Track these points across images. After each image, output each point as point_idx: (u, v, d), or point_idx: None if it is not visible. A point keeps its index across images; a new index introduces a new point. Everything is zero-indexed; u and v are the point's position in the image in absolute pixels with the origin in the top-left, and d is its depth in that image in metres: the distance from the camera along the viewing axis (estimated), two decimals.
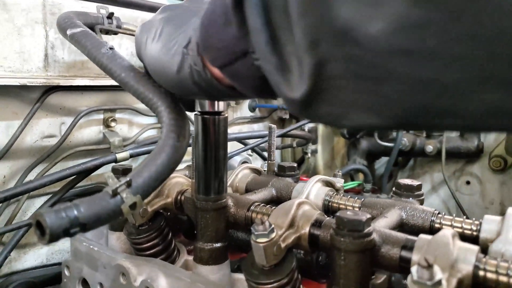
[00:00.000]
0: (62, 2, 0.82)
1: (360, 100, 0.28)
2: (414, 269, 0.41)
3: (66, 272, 0.76)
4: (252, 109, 1.40)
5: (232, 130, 1.31)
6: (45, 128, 0.86)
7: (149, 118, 1.05)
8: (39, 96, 0.82)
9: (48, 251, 0.92)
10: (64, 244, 0.93)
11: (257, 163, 1.32)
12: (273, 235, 0.51)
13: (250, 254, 0.54)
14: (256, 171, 0.85)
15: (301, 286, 0.56)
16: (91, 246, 0.71)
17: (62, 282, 0.77)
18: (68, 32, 0.66)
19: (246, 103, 1.37)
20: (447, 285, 0.42)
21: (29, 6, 0.78)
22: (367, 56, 0.25)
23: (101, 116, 0.95)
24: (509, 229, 0.55)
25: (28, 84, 0.75)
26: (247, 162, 1.15)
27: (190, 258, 0.68)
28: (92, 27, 0.77)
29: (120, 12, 0.90)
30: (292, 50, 0.32)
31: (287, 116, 1.47)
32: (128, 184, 0.45)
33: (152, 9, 0.96)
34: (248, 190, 0.80)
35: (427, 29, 0.22)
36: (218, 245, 0.62)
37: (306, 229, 0.54)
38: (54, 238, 0.40)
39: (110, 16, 0.80)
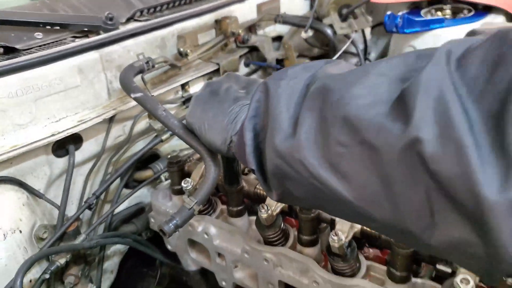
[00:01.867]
0: (111, 52, 1.20)
1: None
2: None
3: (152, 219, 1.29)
4: (246, 65, 1.78)
5: None
6: (115, 132, 1.31)
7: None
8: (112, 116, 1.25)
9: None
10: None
11: None
12: (269, 212, 1.00)
13: (257, 219, 1.03)
14: None
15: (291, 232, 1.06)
16: (168, 210, 1.22)
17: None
18: (132, 95, 1.06)
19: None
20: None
21: (93, 62, 1.17)
22: None
23: (146, 114, 1.38)
24: None
25: (104, 117, 1.18)
26: None
27: (224, 207, 1.18)
28: (141, 73, 1.17)
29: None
30: None
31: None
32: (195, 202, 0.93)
33: None
34: None
35: None
36: (239, 208, 1.12)
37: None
38: (170, 235, 0.90)
39: (148, 61, 1.18)
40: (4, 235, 0.97)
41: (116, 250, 1.44)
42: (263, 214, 0.98)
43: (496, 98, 0.41)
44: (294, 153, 0.57)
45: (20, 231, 1.02)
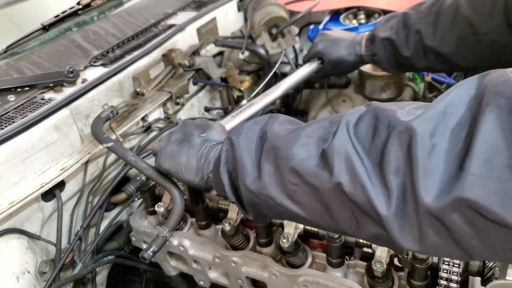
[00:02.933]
0: (79, 105, 1.39)
1: None
2: None
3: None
4: (194, 83, 2.00)
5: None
6: (91, 169, 1.52)
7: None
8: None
9: None
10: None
11: None
12: (232, 224, 1.25)
13: (222, 230, 1.28)
14: None
15: (251, 235, 1.33)
16: (145, 229, 1.45)
17: None
18: (104, 145, 1.26)
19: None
20: None
21: (65, 117, 1.36)
22: None
23: None
24: None
25: (82, 162, 1.39)
26: None
27: (193, 219, 1.43)
28: (108, 121, 1.37)
29: None
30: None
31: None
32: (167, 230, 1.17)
33: None
34: None
35: None
36: (206, 221, 1.37)
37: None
38: (150, 260, 1.14)
39: (112, 110, 1.39)
40: (17, 278, 1.18)
41: (104, 265, 1.66)
42: (227, 227, 1.24)
43: (378, 153, 0.68)
44: (262, 190, 0.82)
45: (28, 272, 1.23)
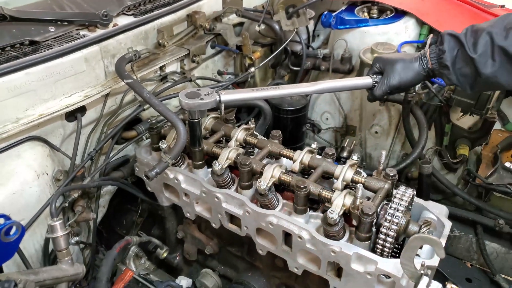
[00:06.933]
0: (108, 45, 1.61)
1: None
2: None
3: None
4: (212, 47, 2.20)
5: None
6: (110, 103, 1.75)
7: None
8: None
9: None
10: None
11: None
12: (220, 165, 1.47)
13: (212, 169, 1.50)
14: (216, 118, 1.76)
15: (236, 180, 1.55)
16: (149, 162, 1.68)
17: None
18: (125, 81, 1.50)
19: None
20: None
21: (94, 53, 1.58)
22: None
23: None
24: None
25: (103, 93, 1.62)
26: None
27: (190, 161, 1.65)
28: (130, 62, 1.59)
29: None
30: None
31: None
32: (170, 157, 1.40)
33: None
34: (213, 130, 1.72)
35: None
36: (200, 162, 1.59)
37: None
38: (152, 179, 1.37)
39: (135, 53, 1.61)
40: (37, 176, 1.43)
41: (108, 190, 1.91)
42: (216, 167, 1.46)
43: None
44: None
45: (47, 174, 1.48)
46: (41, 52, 1.47)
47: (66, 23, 1.63)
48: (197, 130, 1.51)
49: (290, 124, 2.20)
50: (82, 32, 1.64)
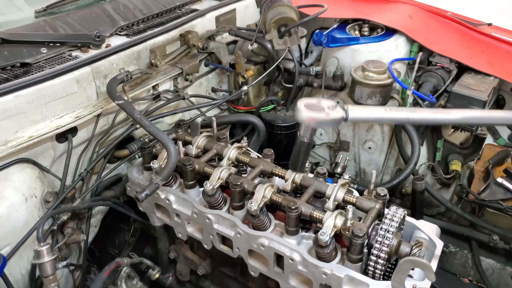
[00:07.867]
0: (100, 66, 1.62)
1: None
2: None
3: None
4: (206, 65, 2.21)
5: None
6: (102, 123, 1.74)
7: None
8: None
9: None
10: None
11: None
12: (212, 186, 1.47)
13: (203, 190, 1.50)
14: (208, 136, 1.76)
15: (228, 200, 1.55)
16: (140, 182, 1.67)
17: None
18: (116, 102, 1.50)
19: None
20: None
21: (86, 74, 1.59)
22: None
23: None
24: None
25: (94, 114, 1.62)
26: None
27: (181, 180, 1.65)
28: (122, 83, 1.59)
29: None
30: None
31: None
32: (160, 179, 1.40)
33: None
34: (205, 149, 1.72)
35: None
36: (192, 182, 1.59)
37: None
38: (142, 202, 1.37)
39: (127, 74, 1.61)
40: (25, 198, 1.42)
41: (99, 210, 1.90)
42: (208, 188, 1.46)
43: None
44: None
45: (35, 196, 1.47)
46: (32, 74, 1.47)
47: (59, 44, 1.63)
48: (303, 153, 1.29)
49: (284, 140, 2.22)
50: (74, 53, 1.64)
